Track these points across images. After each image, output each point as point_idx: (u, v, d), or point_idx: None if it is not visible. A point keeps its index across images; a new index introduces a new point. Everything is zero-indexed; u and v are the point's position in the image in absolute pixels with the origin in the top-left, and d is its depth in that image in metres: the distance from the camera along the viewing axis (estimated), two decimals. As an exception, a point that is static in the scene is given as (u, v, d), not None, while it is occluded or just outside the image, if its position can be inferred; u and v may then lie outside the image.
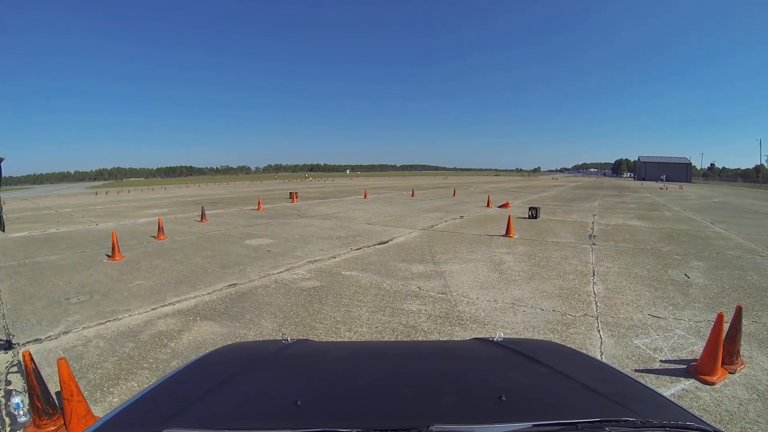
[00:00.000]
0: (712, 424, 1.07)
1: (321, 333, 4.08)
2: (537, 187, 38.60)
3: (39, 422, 2.47)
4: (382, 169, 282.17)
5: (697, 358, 3.36)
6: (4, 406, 2.80)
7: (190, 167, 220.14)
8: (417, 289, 5.47)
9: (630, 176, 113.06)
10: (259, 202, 17.94)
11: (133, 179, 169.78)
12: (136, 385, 3.10)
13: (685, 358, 3.47)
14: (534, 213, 12.79)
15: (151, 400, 1.13)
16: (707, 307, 4.71)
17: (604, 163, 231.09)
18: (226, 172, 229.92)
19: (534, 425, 0.91)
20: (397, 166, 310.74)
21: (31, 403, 2.49)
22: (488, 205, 17.17)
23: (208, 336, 4.01)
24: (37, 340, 3.97)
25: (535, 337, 3.90)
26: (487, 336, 2.04)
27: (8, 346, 3.78)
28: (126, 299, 5.23)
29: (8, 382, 3.17)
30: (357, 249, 8.21)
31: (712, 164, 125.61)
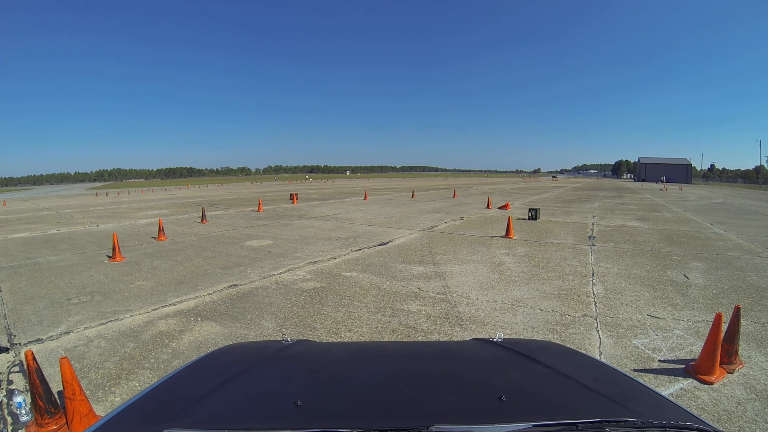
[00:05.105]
0: (711, 423, 1.08)
1: (321, 333, 4.09)
2: (537, 188, 38.60)
3: (41, 421, 2.48)
4: (382, 170, 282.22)
5: (696, 358, 3.37)
6: (6, 405, 2.81)
7: (190, 168, 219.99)
8: (417, 290, 5.48)
9: (630, 177, 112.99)
10: (259, 204, 17.96)
11: (132, 180, 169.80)
12: (137, 384, 3.11)
13: (684, 358, 3.48)
14: (534, 214, 12.80)
15: (152, 400, 1.14)
16: (706, 308, 4.73)
17: (604, 165, 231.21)
18: (226, 173, 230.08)
19: (534, 425, 0.92)
20: (397, 167, 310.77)
21: (33, 402, 2.50)
22: (488, 207, 17.18)
23: (209, 336, 4.02)
24: (39, 340, 3.98)
25: (534, 338, 3.91)
26: (486, 336, 2.05)
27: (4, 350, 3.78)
28: (127, 300, 5.24)
29: (10, 382, 3.18)
30: (357, 250, 8.23)
31: (712, 165, 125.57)
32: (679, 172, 74.64)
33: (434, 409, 1.05)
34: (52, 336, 4.09)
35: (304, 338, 2.81)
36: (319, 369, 1.37)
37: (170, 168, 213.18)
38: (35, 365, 2.49)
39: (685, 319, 4.38)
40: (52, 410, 2.51)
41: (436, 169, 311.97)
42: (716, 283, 5.78)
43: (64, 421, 2.51)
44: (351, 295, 5.27)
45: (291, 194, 23.23)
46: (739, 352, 3.38)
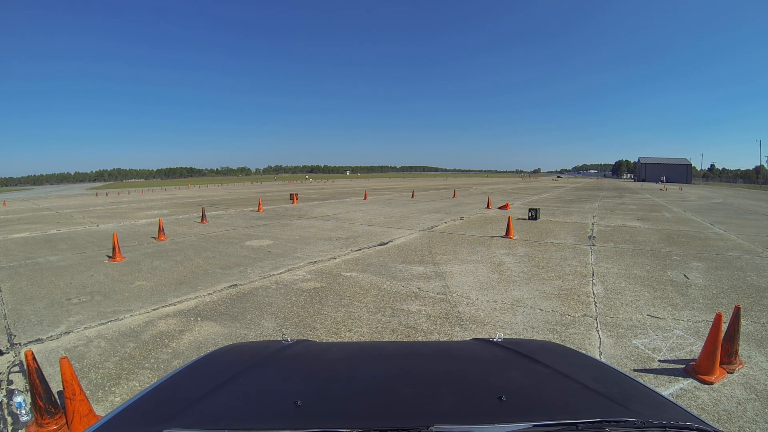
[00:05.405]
0: (711, 423, 1.08)
1: (321, 333, 4.09)
2: (537, 188, 38.60)
3: (41, 421, 2.48)
4: (382, 170, 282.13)
5: (696, 358, 3.38)
6: (6, 405, 2.81)
7: (190, 168, 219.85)
8: (417, 290, 5.48)
9: (630, 177, 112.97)
10: (259, 204, 17.96)
11: (132, 180, 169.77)
12: (137, 384, 3.11)
13: (684, 358, 3.48)
14: (534, 214, 12.80)
15: (152, 400, 1.14)
16: (706, 308, 4.73)
17: (604, 165, 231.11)
18: (227, 173, 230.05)
19: (534, 425, 0.92)
20: (397, 167, 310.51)
21: (33, 402, 2.50)
22: (488, 207, 17.18)
23: (209, 336, 4.02)
24: (39, 340, 3.98)
25: (534, 338, 3.91)
26: (487, 336, 2.05)
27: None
28: (127, 300, 5.24)
29: (10, 382, 3.18)
30: (357, 250, 8.23)
31: (712, 165, 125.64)
32: (679, 172, 74.63)
33: (434, 409, 1.05)
34: (52, 336, 4.09)
35: (304, 338, 2.81)
36: (319, 369, 1.37)
37: (170, 168, 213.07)
38: (35, 365, 2.49)
39: (685, 319, 4.39)
40: (52, 410, 2.51)
41: (436, 169, 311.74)
42: (716, 283, 5.78)
43: (64, 421, 2.51)
44: (351, 295, 5.27)
45: (291, 194, 23.23)
46: (739, 352, 3.38)
